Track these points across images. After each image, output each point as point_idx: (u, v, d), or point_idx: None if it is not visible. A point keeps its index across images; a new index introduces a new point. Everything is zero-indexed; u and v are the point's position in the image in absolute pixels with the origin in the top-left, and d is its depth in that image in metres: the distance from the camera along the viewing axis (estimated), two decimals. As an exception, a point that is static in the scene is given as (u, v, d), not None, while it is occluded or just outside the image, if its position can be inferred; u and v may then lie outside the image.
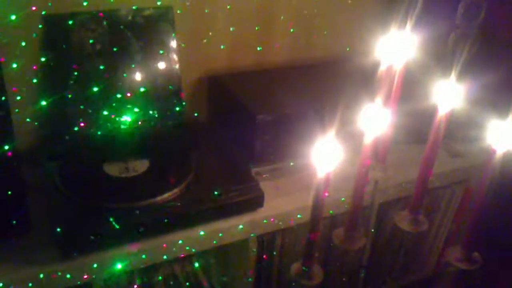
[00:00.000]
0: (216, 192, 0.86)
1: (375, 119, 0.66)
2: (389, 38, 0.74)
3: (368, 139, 0.66)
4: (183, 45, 1.04)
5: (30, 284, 0.73)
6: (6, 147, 0.72)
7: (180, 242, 0.83)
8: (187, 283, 0.90)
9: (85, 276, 0.77)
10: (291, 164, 1.00)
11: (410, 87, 0.84)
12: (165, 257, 0.83)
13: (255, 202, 0.89)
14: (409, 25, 0.72)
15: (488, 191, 0.65)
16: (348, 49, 1.23)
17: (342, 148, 0.64)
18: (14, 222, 0.77)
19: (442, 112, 0.65)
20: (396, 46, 0.74)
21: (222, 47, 1.10)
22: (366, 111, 0.66)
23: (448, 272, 0.88)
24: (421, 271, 1.24)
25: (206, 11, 1.05)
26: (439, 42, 1.02)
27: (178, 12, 1.02)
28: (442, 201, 1.17)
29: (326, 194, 0.65)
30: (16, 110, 0.83)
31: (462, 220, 1.15)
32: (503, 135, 0.62)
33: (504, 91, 0.96)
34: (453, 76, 0.68)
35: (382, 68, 0.76)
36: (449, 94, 0.66)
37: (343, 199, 0.93)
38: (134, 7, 0.97)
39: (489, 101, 0.94)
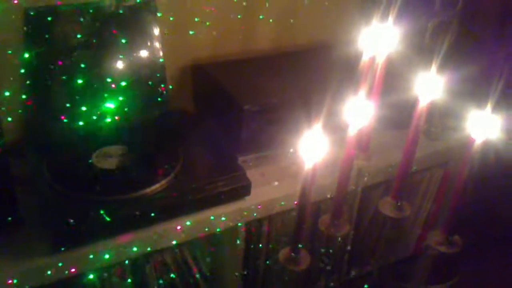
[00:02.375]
0: (203, 182, 0.87)
1: (359, 112, 0.68)
2: (371, 30, 0.76)
3: (353, 131, 0.68)
4: (166, 33, 1.04)
5: (21, 278, 0.74)
6: (-4, 143, 0.73)
7: (169, 232, 0.85)
8: (178, 271, 0.92)
9: (76, 268, 0.78)
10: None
11: (391, 78, 0.86)
12: (155, 247, 0.85)
13: (242, 190, 0.91)
14: (390, 17, 0.73)
15: (468, 179, 0.68)
16: (330, 37, 1.24)
17: (327, 139, 0.66)
18: (6, 217, 0.78)
19: (423, 103, 0.68)
20: (377, 38, 0.75)
21: (205, 35, 1.10)
22: (350, 104, 0.68)
23: (428, 254, 0.92)
24: (402, 252, 1.29)
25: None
26: (419, 32, 1.05)
27: (161, 1, 1.01)
28: (421, 184, 1.21)
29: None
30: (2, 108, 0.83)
31: (441, 202, 1.19)
32: (482, 125, 0.65)
33: (483, 81, 0.99)
34: (433, 67, 0.70)
35: (365, 60, 0.78)
36: (429, 85, 0.68)
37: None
38: (116, -2, 0.96)
39: (469, 91, 0.97)
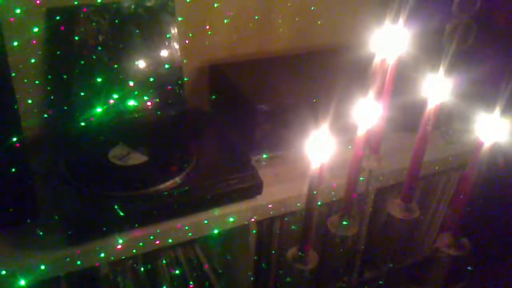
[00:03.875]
0: (215, 180, 0.89)
1: (368, 112, 0.68)
2: (384, 32, 0.76)
3: (361, 131, 0.69)
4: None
5: (36, 269, 0.77)
6: (15, 139, 0.76)
7: (181, 228, 0.87)
8: (189, 267, 0.94)
9: (89, 261, 0.81)
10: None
11: (406, 79, 0.86)
12: (169, 241, 0.87)
13: (253, 189, 0.92)
14: (402, 19, 0.73)
15: (476, 182, 0.68)
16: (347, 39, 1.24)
17: (335, 139, 0.67)
18: (22, 209, 0.81)
19: (432, 105, 0.67)
20: (390, 40, 0.75)
21: (223, 36, 1.12)
22: (359, 104, 0.68)
23: (439, 257, 0.91)
24: (417, 255, 1.28)
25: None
26: (436, 33, 1.04)
27: (179, 2, 1.04)
28: (438, 187, 1.20)
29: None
30: (26, 102, 0.86)
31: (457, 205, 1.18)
32: (490, 127, 0.64)
33: (500, 83, 0.97)
34: (446, 69, 0.70)
35: (377, 61, 0.78)
36: (442, 87, 0.68)
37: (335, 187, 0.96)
38: (135, -1, 0.99)
39: (488, 94, 0.95)
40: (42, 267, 0.77)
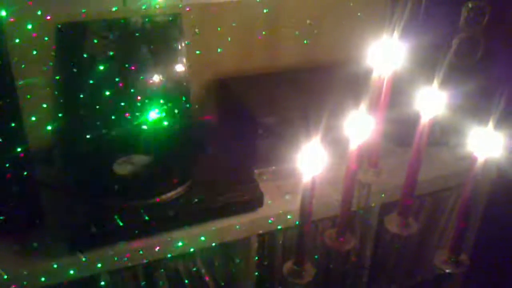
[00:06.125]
0: (216, 192, 0.90)
1: (360, 126, 0.68)
2: (383, 46, 0.76)
3: (354, 145, 0.69)
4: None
5: (39, 276, 0.79)
6: (19, 149, 0.78)
7: (182, 240, 0.87)
8: (190, 279, 0.95)
9: (90, 270, 0.82)
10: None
11: (409, 94, 0.85)
12: (168, 254, 0.88)
13: (254, 202, 0.92)
14: (398, 33, 0.73)
15: (471, 197, 0.67)
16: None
17: (328, 153, 0.67)
18: (27, 217, 0.84)
19: (425, 119, 0.67)
20: (389, 54, 0.75)
21: (230, 51, 1.14)
22: (351, 117, 0.68)
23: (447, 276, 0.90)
24: (426, 274, 1.25)
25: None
26: (443, 48, 1.03)
27: (187, 17, 1.06)
28: (448, 203, 1.18)
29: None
30: (33, 118, 0.89)
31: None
32: (483, 142, 0.63)
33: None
34: (451, 82, 0.70)
35: (375, 75, 0.78)
36: (438, 101, 0.68)
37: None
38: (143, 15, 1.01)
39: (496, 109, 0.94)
40: (44, 274, 0.79)
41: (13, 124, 0.77)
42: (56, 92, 0.99)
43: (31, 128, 0.86)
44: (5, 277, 0.76)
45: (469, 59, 1.05)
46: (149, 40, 1.03)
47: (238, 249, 0.98)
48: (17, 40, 0.90)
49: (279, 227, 0.96)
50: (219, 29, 1.11)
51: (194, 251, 0.92)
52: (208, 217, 0.90)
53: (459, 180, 1.13)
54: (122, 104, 1.02)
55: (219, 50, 1.12)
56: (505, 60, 1.01)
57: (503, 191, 1.02)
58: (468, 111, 0.95)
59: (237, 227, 0.91)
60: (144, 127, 1.04)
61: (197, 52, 1.10)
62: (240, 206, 0.91)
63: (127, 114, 1.02)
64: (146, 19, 1.02)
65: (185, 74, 1.07)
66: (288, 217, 0.95)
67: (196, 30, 1.07)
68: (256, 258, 0.99)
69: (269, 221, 0.94)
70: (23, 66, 0.92)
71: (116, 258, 0.83)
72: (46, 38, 0.95)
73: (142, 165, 0.95)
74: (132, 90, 1.03)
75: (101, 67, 1.00)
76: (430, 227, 1.20)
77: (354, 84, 1.03)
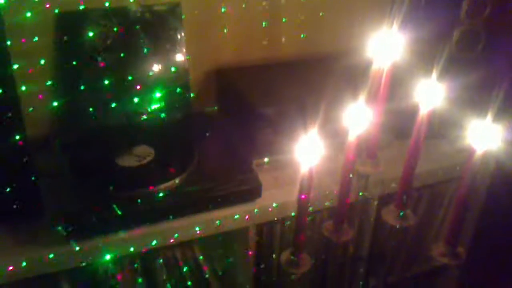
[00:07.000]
0: (214, 182, 0.90)
1: (359, 117, 0.68)
2: (384, 38, 0.76)
3: (352, 136, 0.69)
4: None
5: (36, 265, 0.79)
6: (17, 137, 0.78)
7: (180, 229, 0.88)
8: (188, 268, 0.95)
9: (87, 259, 0.83)
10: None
11: (410, 86, 0.85)
12: (165, 243, 0.88)
13: (252, 192, 0.93)
14: (398, 25, 0.73)
15: (469, 189, 0.67)
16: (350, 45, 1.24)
17: (327, 144, 0.67)
18: (28, 206, 0.84)
19: (423, 111, 0.67)
20: (389, 45, 0.75)
21: (230, 41, 1.13)
22: (350, 109, 0.68)
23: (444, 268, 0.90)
24: (425, 265, 1.26)
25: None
26: (444, 39, 1.02)
27: (187, 7, 1.05)
28: (446, 195, 1.18)
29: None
30: (30, 109, 0.89)
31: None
32: (482, 134, 0.63)
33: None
34: (452, 73, 0.69)
35: (375, 67, 0.78)
36: (436, 93, 0.68)
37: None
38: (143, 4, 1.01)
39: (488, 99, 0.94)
40: (41, 263, 0.80)
41: (10, 114, 0.77)
42: (54, 81, 0.99)
43: (29, 117, 0.85)
44: (2, 265, 0.77)
45: (469, 52, 1.05)
46: (149, 29, 1.02)
47: (236, 239, 0.98)
48: (15, 29, 0.89)
49: (276, 217, 0.96)
50: (219, 19, 1.10)
51: (192, 241, 0.92)
52: (206, 207, 0.90)
53: (457, 172, 1.13)
54: (121, 93, 1.02)
55: (218, 40, 1.12)
56: (506, 53, 1.01)
57: (501, 183, 1.03)
58: (467, 104, 0.95)
59: (236, 217, 0.91)
60: (143, 116, 1.04)
61: (197, 42, 1.09)
62: (238, 196, 0.91)
63: (126, 104, 1.02)
64: (146, 8, 1.01)
65: (184, 64, 1.06)
66: (286, 207, 0.95)
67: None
68: (254, 248, 0.99)
69: (267, 211, 0.94)
70: (21, 54, 0.91)
71: (114, 247, 0.84)
72: (45, 27, 0.95)
73: (141, 154, 0.95)
74: (130, 78, 1.02)
75: (100, 56, 1.00)
76: (428, 219, 1.20)
77: (353, 76, 1.03)
